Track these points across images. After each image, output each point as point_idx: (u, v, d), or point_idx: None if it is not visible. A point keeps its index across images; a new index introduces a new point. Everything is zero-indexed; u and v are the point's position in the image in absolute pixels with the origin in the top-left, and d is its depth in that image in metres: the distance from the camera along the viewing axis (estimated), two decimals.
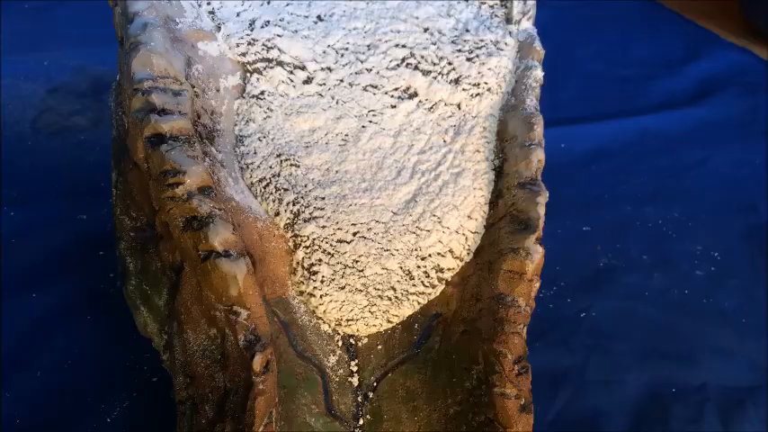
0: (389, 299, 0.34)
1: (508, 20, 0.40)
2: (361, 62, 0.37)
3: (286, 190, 0.34)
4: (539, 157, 0.34)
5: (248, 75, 0.37)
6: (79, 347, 0.44)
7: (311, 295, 0.34)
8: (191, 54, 0.34)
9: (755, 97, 0.75)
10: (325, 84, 0.36)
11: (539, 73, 0.38)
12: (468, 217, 0.35)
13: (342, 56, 0.37)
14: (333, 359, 0.34)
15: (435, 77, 0.37)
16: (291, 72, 0.37)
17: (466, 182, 0.35)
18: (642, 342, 0.47)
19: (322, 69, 0.37)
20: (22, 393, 0.41)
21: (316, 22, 0.37)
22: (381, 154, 0.35)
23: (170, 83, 0.31)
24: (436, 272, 0.35)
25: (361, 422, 0.33)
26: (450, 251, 0.35)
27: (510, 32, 0.39)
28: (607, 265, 0.53)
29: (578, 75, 0.79)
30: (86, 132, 0.64)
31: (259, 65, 0.37)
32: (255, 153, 0.35)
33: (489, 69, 0.38)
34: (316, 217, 0.34)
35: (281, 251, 0.34)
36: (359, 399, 0.34)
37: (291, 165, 0.35)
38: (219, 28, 0.37)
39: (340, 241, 0.34)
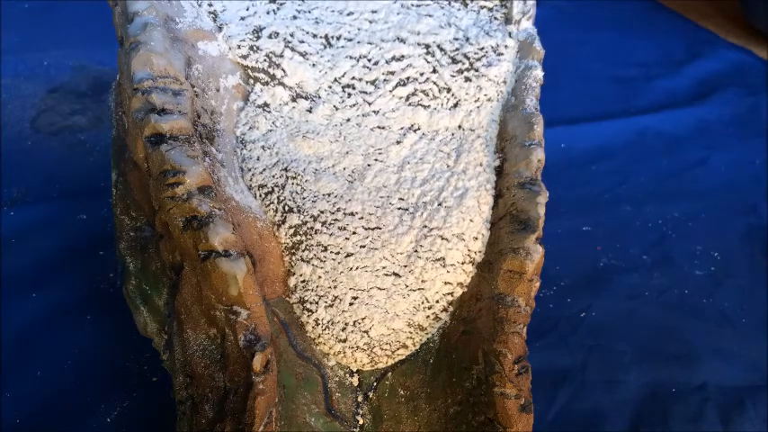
0: (401, 355, 0.34)
1: (508, 20, 0.40)
2: (369, 104, 0.37)
3: (291, 210, 0.34)
4: (539, 156, 0.34)
5: (250, 80, 0.37)
6: (79, 347, 0.44)
7: (304, 326, 0.34)
8: (190, 54, 0.34)
9: (755, 97, 0.75)
10: (330, 120, 0.36)
11: (539, 73, 0.38)
12: (475, 239, 0.35)
13: (349, 96, 0.37)
14: (333, 359, 0.34)
15: (436, 108, 0.37)
16: (294, 99, 0.37)
17: (470, 202, 0.35)
18: (642, 342, 0.47)
19: (325, 103, 0.37)
20: (22, 393, 0.41)
21: (324, 46, 0.37)
22: (386, 193, 0.35)
23: (170, 82, 0.31)
24: (446, 310, 0.34)
25: (360, 422, 0.33)
26: (459, 284, 0.34)
27: (510, 33, 0.39)
28: (607, 265, 0.53)
29: (578, 75, 0.79)
30: (86, 132, 0.64)
31: (260, 75, 0.37)
32: (258, 159, 0.35)
33: (489, 80, 0.38)
34: (315, 266, 0.33)
35: (282, 251, 0.34)
36: (359, 399, 0.34)
37: (298, 184, 0.34)
38: (221, 28, 0.37)
39: (338, 299, 0.33)
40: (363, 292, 0.33)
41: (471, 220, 0.34)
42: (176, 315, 0.32)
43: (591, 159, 0.65)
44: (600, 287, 0.51)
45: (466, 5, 0.40)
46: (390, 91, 0.37)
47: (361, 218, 0.34)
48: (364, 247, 0.34)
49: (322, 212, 0.34)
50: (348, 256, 0.33)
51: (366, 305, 0.33)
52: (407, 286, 0.34)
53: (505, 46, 0.39)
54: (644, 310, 0.50)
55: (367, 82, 0.37)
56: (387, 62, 0.37)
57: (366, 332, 0.33)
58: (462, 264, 0.34)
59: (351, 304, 0.33)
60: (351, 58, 0.38)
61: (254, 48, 0.37)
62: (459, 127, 0.37)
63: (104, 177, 0.55)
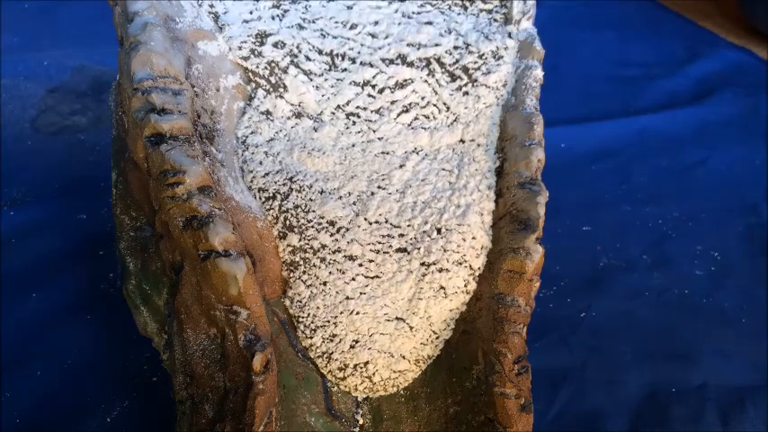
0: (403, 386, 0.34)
1: (508, 20, 0.40)
2: (374, 131, 0.36)
3: (292, 228, 0.34)
4: (539, 156, 0.34)
5: (251, 82, 0.37)
6: (79, 347, 0.44)
7: (301, 341, 0.33)
8: (191, 53, 0.34)
9: (755, 97, 0.75)
10: (336, 143, 0.36)
11: (539, 72, 0.38)
12: (477, 256, 0.34)
13: (354, 123, 0.37)
14: None
15: (436, 127, 0.37)
16: (298, 116, 0.36)
17: (473, 218, 0.34)
18: (642, 342, 0.47)
19: (329, 126, 0.36)
20: (22, 393, 0.41)
21: (329, 67, 0.37)
22: (386, 230, 0.34)
23: (170, 82, 0.31)
24: (451, 330, 0.34)
25: (360, 422, 0.33)
26: (463, 303, 0.34)
27: (510, 33, 0.39)
28: (607, 265, 0.53)
29: (578, 75, 0.79)
30: (86, 132, 0.64)
31: (261, 80, 0.37)
32: (261, 164, 0.35)
33: (487, 88, 0.38)
34: (313, 293, 0.33)
35: (281, 263, 0.34)
36: (359, 398, 0.34)
37: (302, 199, 0.34)
38: (222, 29, 0.37)
39: (337, 337, 0.33)
40: (365, 336, 0.33)
41: (474, 237, 0.34)
42: (176, 315, 0.32)
43: (591, 159, 0.65)
44: (600, 287, 0.51)
45: (465, 9, 0.40)
46: (394, 119, 0.37)
47: (361, 264, 0.33)
48: (364, 294, 0.33)
49: (323, 247, 0.34)
50: (348, 299, 0.33)
51: (369, 350, 0.33)
52: (413, 327, 0.33)
53: (505, 48, 0.39)
54: (644, 310, 0.50)
55: (372, 111, 0.37)
56: (391, 90, 0.37)
57: (369, 377, 0.33)
58: (465, 286, 0.34)
59: (352, 347, 0.33)
60: (355, 84, 0.37)
61: (257, 52, 0.37)
62: (461, 141, 0.37)
63: (104, 177, 0.55)
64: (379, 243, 0.34)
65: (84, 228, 0.54)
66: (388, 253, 0.34)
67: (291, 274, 0.33)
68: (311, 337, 0.33)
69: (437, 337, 0.34)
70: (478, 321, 0.33)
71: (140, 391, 0.42)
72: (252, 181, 0.35)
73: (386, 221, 0.34)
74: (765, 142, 0.68)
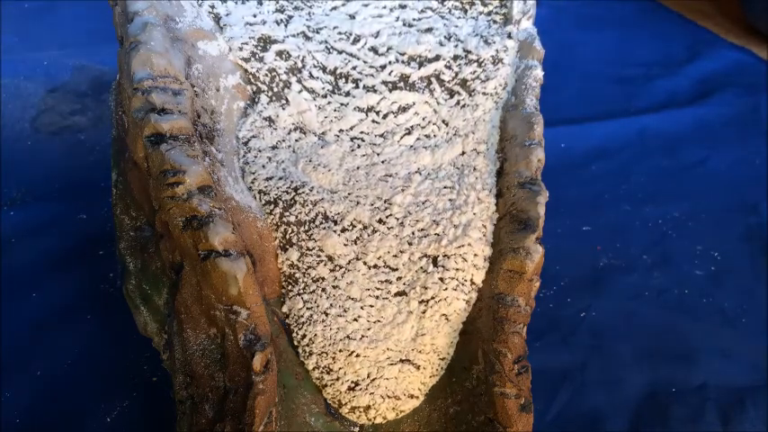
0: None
1: (507, 20, 0.40)
2: (378, 154, 0.36)
3: (292, 244, 0.34)
4: (539, 156, 0.34)
5: (252, 85, 0.37)
6: (79, 347, 0.44)
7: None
8: (190, 53, 0.34)
9: (755, 97, 0.75)
10: (341, 163, 0.36)
11: (539, 72, 0.38)
12: (479, 271, 0.34)
13: (358, 146, 0.36)
14: None
15: (437, 145, 0.37)
16: (302, 131, 0.36)
17: (474, 234, 0.34)
18: (642, 342, 0.47)
19: (334, 145, 0.36)
20: (22, 393, 0.41)
21: (332, 87, 0.37)
22: (384, 275, 0.33)
23: (170, 82, 0.31)
24: (456, 341, 0.34)
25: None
26: (465, 316, 0.34)
27: (510, 33, 0.39)
28: (607, 265, 0.53)
29: (578, 75, 0.79)
30: (86, 132, 0.64)
31: (261, 85, 0.37)
32: (264, 167, 0.35)
33: (485, 95, 0.37)
34: (314, 319, 0.33)
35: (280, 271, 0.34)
36: None
37: (306, 217, 0.34)
38: (223, 29, 0.37)
39: (333, 372, 0.32)
40: (365, 380, 0.32)
41: (476, 254, 0.34)
42: (176, 315, 0.32)
43: (591, 159, 0.65)
44: (600, 287, 0.51)
45: (465, 12, 0.40)
46: (398, 141, 0.37)
47: (362, 308, 0.33)
48: (366, 337, 0.32)
49: (322, 279, 0.33)
50: (349, 338, 0.32)
51: (371, 394, 0.32)
52: (419, 366, 0.33)
53: (505, 49, 0.39)
54: (644, 310, 0.50)
55: (376, 135, 0.37)
56: (394, 115, 0.37)
57: (370, 420, 0.32)
58: (467, 303, 0.34)
59: (351, 389, 0.32)
60: (359, 110, 0.37)
61: (258, 56, 0.37)
62: (462, 153, 0.36)
63: (104, 177, 0.55)
64: (378, 289, 0.33)
65: (84, 228, 0.53)
66: (387, 299, 0.33)
67: (291, 288, 0.33)
68: (306, 359, 0.33)
69: (445, 363, 0.34)
70: (478, 321, 0.33)
71: (140, 391, 0.42)
72: (253, 183, 0.35)
73: (384, 264, 0.34)
74: (765, 142, 0.68)
